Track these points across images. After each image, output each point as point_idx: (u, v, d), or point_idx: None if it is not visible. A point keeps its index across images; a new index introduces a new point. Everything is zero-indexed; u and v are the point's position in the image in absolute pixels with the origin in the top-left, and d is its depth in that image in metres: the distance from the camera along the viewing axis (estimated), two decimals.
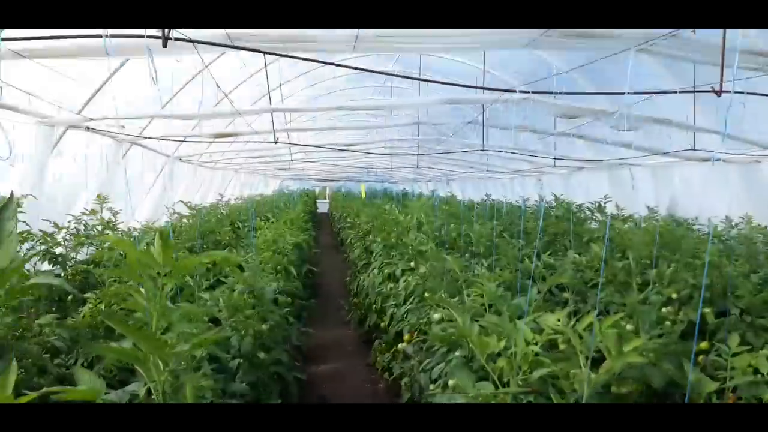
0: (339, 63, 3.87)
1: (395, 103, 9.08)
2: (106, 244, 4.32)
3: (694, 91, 3.70)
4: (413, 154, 10.98)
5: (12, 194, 1.41)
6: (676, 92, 4.52)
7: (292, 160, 12.52)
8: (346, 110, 8.68)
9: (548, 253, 4.55)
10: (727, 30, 2.85)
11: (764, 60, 3.14)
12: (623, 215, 8.58)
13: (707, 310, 3.91)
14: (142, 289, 1.82)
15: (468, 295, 3.06)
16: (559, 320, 2.26)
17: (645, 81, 6.64)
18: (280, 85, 8.81)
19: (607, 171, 11.09)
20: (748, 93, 3.57)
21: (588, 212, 10.03)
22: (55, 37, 3.10)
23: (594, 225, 8.63)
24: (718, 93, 2.99)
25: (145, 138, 6.85)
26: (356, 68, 4.08)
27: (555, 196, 11.49)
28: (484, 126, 6.80)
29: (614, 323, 2.12)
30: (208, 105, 6.65)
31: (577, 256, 3.64)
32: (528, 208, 12.75)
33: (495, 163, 13.34)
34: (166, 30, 2.53)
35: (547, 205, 11.11)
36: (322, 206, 30.00)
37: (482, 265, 4.05)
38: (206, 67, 5.37)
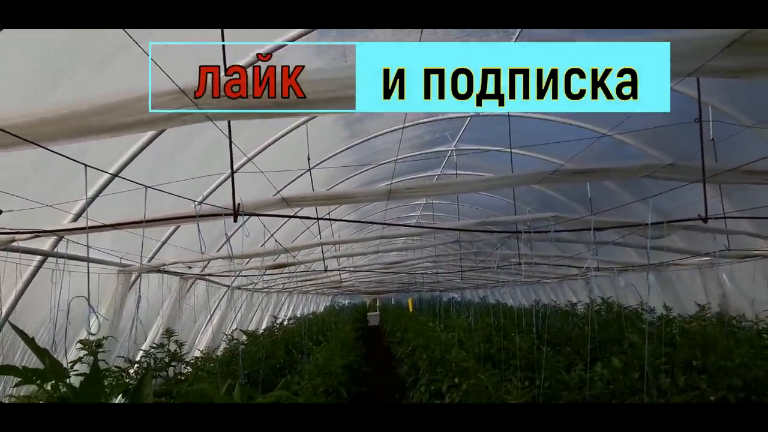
0: (378, 222, 4.43)
1: (436, 226, 9.64)
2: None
3: (684, 220, 4.04)
4: (455, 272, 11.34)
5: (148, 369, 1.89)
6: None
7: (342, 281, 13.06)
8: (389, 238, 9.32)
9: (583, 364, 4.73)
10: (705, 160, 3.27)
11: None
12: (670, 316, 8.58)
13: None
14: None
15: None
16: None
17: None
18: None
19: (655, 270, 11.16)
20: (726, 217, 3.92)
21: (634, 314, 10.04)
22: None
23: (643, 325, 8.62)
24: (704, 220, 3.32)
25: (207, 275, 7.51)
26: (391, 225, 4.62)
27: (603, 299, 11.56)
28: (519, 243, 7.19)
29: None
30: (257, 242, 7.31)
31: (598, 369, 3.86)
32: (577, 312, 12.76)
33: (542, 269, 13.50)
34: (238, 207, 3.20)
35: (597, 308, 11.16)
36: (373, 319, 30.00)
37: (518, 379, 4.29)
38: (271, 235, 6.08)
